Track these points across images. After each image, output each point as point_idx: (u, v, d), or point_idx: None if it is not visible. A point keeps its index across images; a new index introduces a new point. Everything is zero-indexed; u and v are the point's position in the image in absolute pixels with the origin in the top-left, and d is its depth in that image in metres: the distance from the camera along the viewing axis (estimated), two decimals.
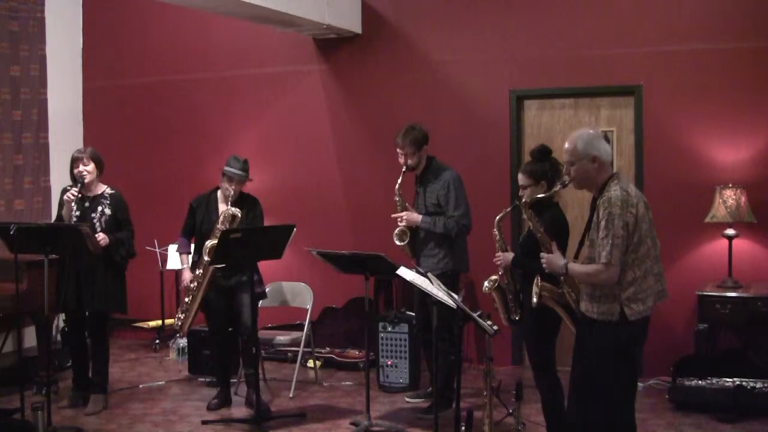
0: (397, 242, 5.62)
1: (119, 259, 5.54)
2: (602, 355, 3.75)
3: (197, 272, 5.56)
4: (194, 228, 5.75)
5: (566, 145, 3.86)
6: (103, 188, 5.68)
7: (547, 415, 4.60)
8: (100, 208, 5.58)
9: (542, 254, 4.02)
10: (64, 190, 5.59)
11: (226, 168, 5.60)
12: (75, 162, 5.61)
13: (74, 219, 5.46)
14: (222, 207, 5.65)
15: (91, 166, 5.59)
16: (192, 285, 5.59)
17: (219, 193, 5.73)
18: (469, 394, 5.86)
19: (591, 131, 3.88)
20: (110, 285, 5.56)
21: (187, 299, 5.63)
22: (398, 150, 5.52)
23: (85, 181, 5.55)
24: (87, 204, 5.58)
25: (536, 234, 4.15)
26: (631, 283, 3.68)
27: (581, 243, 3.94)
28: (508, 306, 4.58)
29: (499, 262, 4.60)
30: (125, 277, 5.70)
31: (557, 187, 4.15)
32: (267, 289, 6.10)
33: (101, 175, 5.70)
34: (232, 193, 5.53)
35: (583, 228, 3.92)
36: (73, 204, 5.47)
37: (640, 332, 3.76)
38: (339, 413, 5.66)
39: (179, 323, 5.67)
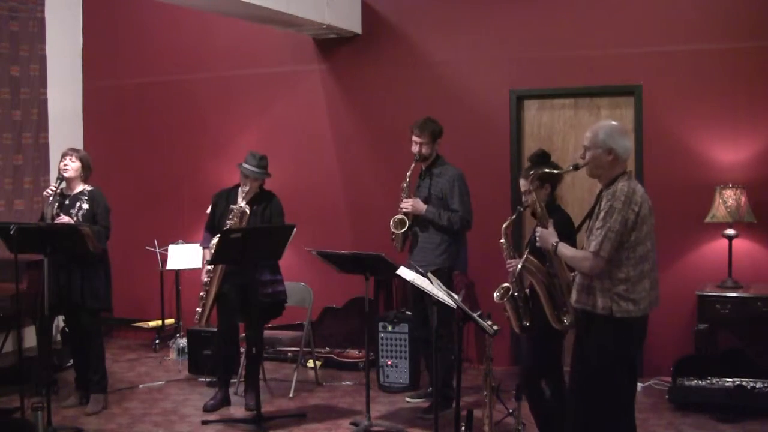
0: (393, 230, 5.58)
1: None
2: (589, 347, 3.75)
3: (210, 267, 5.58)
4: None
5: (587, 133, 3.85)
6: (84, 187, 5.68)
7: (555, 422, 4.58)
8: (78, 204, 5.58)
9: (537, 228, 4.01)
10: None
11: (243, 165, 5.59)
12: (63, 156, 5.64)
13: (54, 215, 5.48)
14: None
15: (76, 164, 5.60)
16: (206, 279, 5.61)
17: (240, 189, 5.73)
18: (469, 394, 5.86)
19: (616, 124, 3.87)
20: (91, 281, 5.54)
21: (202, 293, 5.65)
22: (414, 138, 5.55)
23: (65, 175, 5.56)
24: (67, 202, 5.60)
25: (537, 209, 4.10)
26: (623, 281, 3.66)
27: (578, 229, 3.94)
28: (519, 313, 4.54)
29: (511, 269, 4.57)
30: (109, 273, 5.69)
31: (569, 168, 4.06)
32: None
33: (87, 178, 5.69)
34: (247, 189, 5.55)
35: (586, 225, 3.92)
36: (51, 199, 5.48)
37: (628, 331, 3.70)
38: (339, 413, 5.66)
39: (197, 318, 5.68)
